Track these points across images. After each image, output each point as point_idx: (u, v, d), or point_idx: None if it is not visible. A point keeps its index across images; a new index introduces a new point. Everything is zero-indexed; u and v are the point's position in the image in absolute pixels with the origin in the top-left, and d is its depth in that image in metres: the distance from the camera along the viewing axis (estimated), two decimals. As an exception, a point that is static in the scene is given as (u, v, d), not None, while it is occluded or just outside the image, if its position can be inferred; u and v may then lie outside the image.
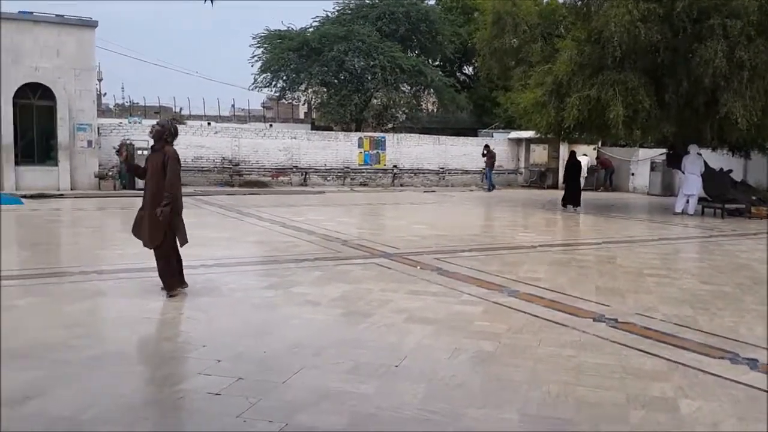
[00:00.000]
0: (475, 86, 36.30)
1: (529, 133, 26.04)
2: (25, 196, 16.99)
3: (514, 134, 29.54)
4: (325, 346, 5.10)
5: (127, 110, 37.75)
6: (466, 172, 28.33)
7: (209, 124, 28.70)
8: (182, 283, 6.73)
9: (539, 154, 29.57)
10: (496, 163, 27.66)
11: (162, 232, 6.49)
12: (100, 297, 6.69)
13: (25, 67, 18.84)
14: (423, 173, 27.96)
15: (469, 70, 38.92)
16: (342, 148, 26.32)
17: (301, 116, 41.93)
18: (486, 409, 3.92)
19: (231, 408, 3.85)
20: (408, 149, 27.63)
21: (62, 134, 19.28)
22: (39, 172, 19.10)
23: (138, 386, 4.33)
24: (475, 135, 31.85)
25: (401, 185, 27.00)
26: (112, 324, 5.86)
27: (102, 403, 4.15)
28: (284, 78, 31.28)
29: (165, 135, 6.55)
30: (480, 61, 22.13)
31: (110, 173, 20.29)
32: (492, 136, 30.99)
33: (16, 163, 18.72)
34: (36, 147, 19.40)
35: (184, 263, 7.42)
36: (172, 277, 6.62)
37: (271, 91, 33.32)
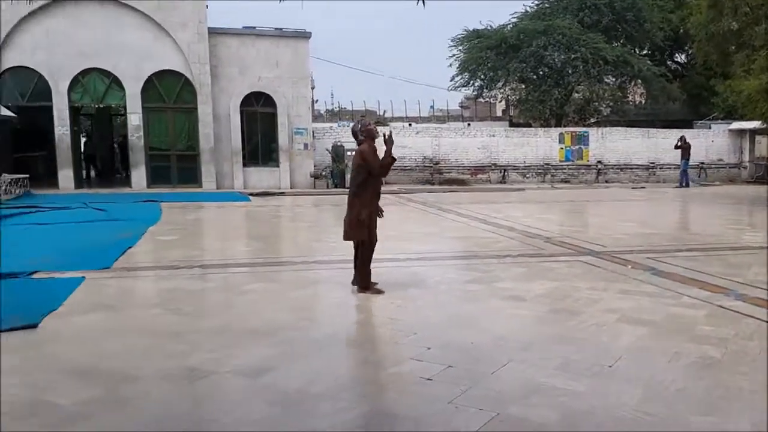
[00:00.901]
0: (688, 75, 33.41)
1: (753, 124, 23.44)
2: (251, 194, 18.92)
3: (736, 125, 26.74)
4: (532, 341, 5.07)
5: (336, 115, 40.25)
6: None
7: (410, 125, 29.65)
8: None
9: (767, 146, 26.48)
10: (715, 157, 25.14)
11: None
12: (319, 285, 7.26)
13: (249, 77, 20.93)
14: (630, 169, 26.39)
15: (681, 57, 35.89)
16: (541, 144, 25.75)
17: (499, 114, 41.69)
18: (712, 417, 3.65)
19: (442, 393, 3.99)
20: (613, 144, 26.26)
21: (282, 138, 21.15)
22: (263, 173, 21.15)
23: (356, 367, 4.65)
24: (690, 127, 29.31)
25: (606, 182, 25.74)
26: (330, 309, 6.35)
27: (325, 380, 4.52)
28: (482, 77, 31.24)
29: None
30: (695, 47, 20.39)
31: (323, 173, 21.84)
32: (710, 128, 28.34)
33: (244, 165, 20.90)
34: (260, 150, 21.48)
35: (391, 257, 7.81)
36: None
37: (469, 90, 33.52)
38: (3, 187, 16.68)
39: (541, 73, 29.70)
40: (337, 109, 42.85)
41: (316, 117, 36.26)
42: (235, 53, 20.88)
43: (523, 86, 30.92)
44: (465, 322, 5.66)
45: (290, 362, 4.65)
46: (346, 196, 6.94)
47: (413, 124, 31.08)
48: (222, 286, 7.30)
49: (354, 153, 6.99)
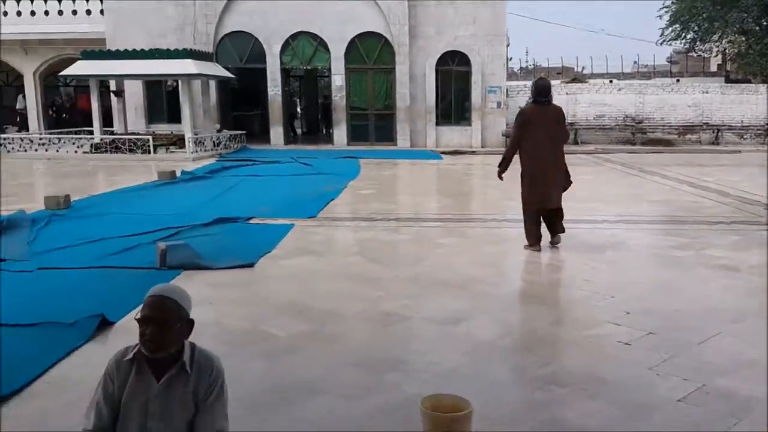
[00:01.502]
0: None
1: None
2: (444, 152, 19.15)
3: None
4: (746, 313, 4.67)
5: (531, 73, 39.08)
6: None
7: (611, 81, 27.94)
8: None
9: None
10: None
11: None
12: (510, 242, 7.21)
13: (446, 36, 20.94)
14: None
15: None
16: (763, 102, 22.94)
17: (713, 69, 37.77)
18: None
19: (642, 359, 3.83)
20: None
21: (475, 97, 21.00)
22: (454, 131, 21.23)
23: (549, 325, 4.58)
24: None
25: (843, 145, 22.40)
26: (522, 267, 6.32)
27: (517, 333, 4.55)
28: (695, 29, 28.56)
29: None
30: None
31: (515, 132, 21.43)
32: None
33: (437, 123, 21.13)
34: (452, 109, 21.57)
35: (588, 218, 7.54)
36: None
37: (680, 43, 30.75)
38: (224, 142, 18.56)
39: (765, 23, 26.38)
40: (532, 66, 41.58)
41: (510, 75, 35.42)
42: (432, 13, 20.96)
43: (744, 38, 27.71)
44: (668, 289, 5.36)
45: (481, 314, 4.73)
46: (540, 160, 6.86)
47: (614, 80, 29.26)
48: (415, 238, 7.54)
49: (548, 111, 6.69)
